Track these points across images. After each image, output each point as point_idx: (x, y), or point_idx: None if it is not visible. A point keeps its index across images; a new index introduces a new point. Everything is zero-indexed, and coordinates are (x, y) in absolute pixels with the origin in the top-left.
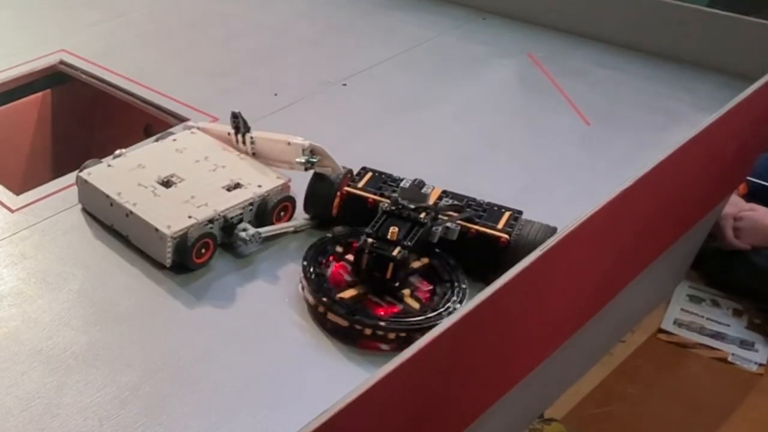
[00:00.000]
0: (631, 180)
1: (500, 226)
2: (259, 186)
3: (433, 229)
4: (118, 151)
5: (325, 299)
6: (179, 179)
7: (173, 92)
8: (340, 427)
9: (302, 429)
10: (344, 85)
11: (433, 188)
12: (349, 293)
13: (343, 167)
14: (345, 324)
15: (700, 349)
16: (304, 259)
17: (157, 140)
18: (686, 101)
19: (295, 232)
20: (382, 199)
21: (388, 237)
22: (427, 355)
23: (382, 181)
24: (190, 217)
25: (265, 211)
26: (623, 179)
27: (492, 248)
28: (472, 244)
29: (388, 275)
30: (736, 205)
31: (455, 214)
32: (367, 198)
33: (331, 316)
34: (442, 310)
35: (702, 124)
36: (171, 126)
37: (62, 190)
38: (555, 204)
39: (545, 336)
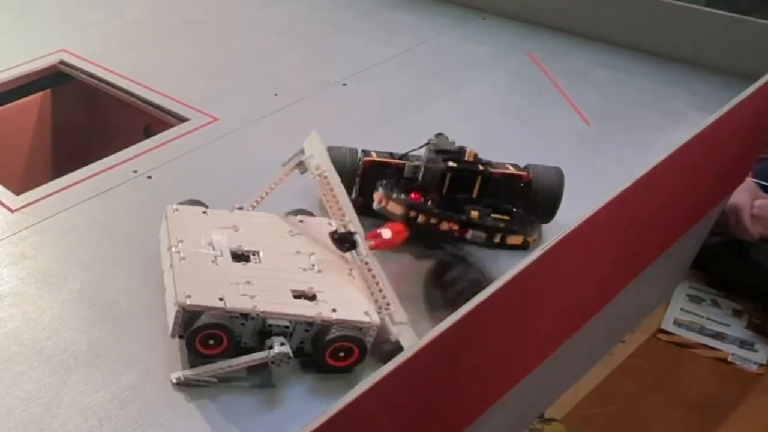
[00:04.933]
0: (631, 180)
1: (511, 169)
2: (334, 310)
3: None
4: (237, 204)
5: (384, 192)
6: (257, 260)
7: (173, 92)
8: (341, 426)
9: (302, 429)
10: (344, 85)
11: None
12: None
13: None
14: (400, 212)
15: (700, 349)
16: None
17: (287, 214)
18: (686, 101)
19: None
20: (402, 162)
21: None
22: (426, 355)
23: (387, 154)
24: (221, 299)
25: (321, 340)
26: (623, 179)
27: (517, 186)
28: (495, 185)
29: (475, 193)
30: (752, 192)
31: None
32: (390, 162)
33: (389, 205)
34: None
35: (702, 124)
36: (171, 126)
37: (62, 190)
38: None
39: (545, 336)
